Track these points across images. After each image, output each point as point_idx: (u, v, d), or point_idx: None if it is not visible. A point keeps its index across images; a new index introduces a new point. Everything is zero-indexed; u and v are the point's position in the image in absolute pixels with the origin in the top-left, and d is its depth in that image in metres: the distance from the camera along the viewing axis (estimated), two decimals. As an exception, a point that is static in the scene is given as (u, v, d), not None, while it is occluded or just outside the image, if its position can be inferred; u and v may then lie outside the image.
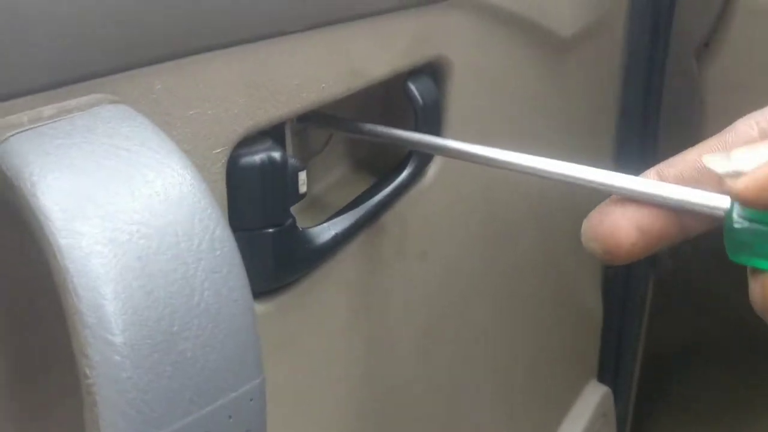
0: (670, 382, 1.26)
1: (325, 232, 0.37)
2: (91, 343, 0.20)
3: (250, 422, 0.23)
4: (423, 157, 0.42)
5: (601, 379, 0.82)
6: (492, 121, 0.47)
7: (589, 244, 0.28)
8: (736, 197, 0.23)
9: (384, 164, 0.43)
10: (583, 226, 0.28)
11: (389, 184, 0.41)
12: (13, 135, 0.23)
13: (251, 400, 0.23)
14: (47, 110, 0.24)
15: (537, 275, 0.60)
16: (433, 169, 0.44)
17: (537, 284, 0.60)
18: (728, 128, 0.27)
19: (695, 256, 1.10)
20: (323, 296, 0.38)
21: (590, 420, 0.70)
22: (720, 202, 0.25)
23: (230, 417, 0.22)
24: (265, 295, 0.35)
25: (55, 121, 0.24)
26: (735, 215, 0.24)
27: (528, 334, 0.61)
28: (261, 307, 0.35)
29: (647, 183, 0.27)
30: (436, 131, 0.42)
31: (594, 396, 0.72)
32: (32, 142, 0.23)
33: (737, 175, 0.23)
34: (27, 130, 0.23)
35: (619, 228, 0.27)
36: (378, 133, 0.38)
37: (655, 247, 0.27)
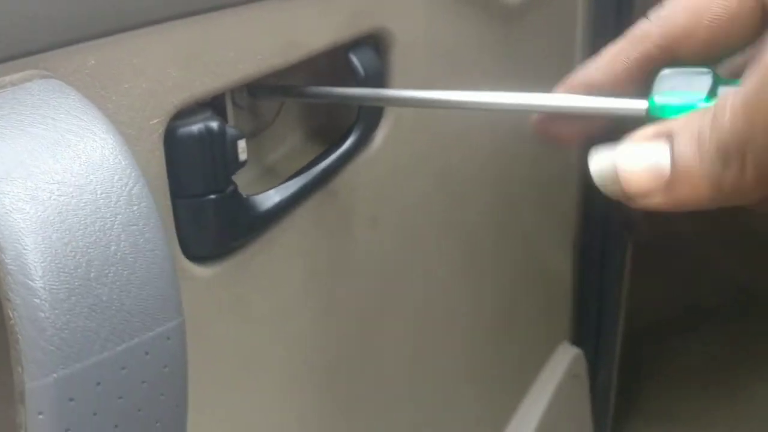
0: (659, 350, 1.28)
1: (270, 198, 0.40)
2: (12, 288, 0.22)
3: (168, 359, 0.25)
4: (370, 122, 0.45)
5: (581, 344, 0.84)
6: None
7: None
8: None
9: (334, 133, 0.45)
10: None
11: (336, 150, 0.43)
12: (-53, 107, 0.25)
13: (168, 338, 0.25)
14: (-20, 85, 0.27)
15: (499, 237, 0.62)
16: (380, 135, 0.46)
17: (500, 247, 0.62)
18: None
19: (671, 223, 1.12)
20: (270, 261, 0.41)
21: (561, 381, 0.72)
22: (640, 104, 0.28)
23: (147, 353, 0.25)
24: (210, 260, 0.38)
25: (-12, 94, 0.26)
26: (652, 114, 0.27)
27: (493, 296, 0.63)
28: (206, 271, 0.37)
29: (579, 98, 0.29)
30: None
31: (565, 357, 0.74)
32: (-35, 113, 0.25)
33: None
34: (-40, 102, 0.26)
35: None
36: (325, 94, 0.39)
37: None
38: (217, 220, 0.37)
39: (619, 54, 0.29)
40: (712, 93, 0.27)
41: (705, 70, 0.27)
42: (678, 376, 1.23)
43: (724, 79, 0.27)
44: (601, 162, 0.26)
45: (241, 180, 0.41)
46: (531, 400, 0.71)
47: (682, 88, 0.27)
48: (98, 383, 0.24)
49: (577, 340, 0.82)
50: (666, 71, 0.28)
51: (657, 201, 0.24)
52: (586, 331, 0.87)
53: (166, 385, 0.25)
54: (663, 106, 0.27)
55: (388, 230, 0.49)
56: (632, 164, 0.25)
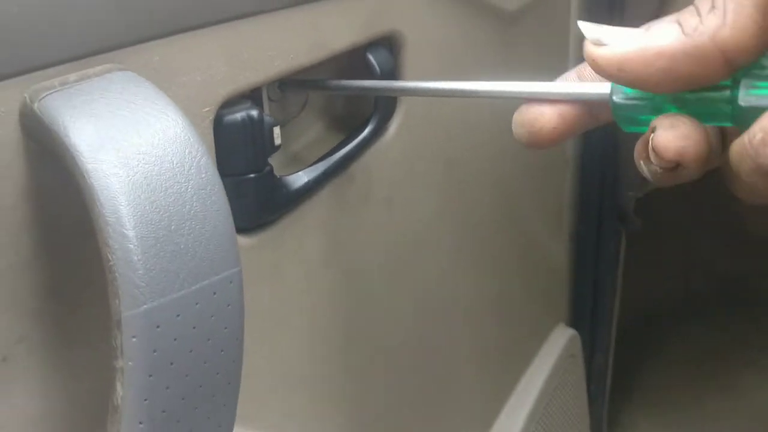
0: (656, 337, 1.33)
1: (299, 179, 0.45)
2: (111, 236, 0.28)
3: (230, 299, 0.31)
4: (385, 113, 0.50)
5: (578, 327, 0.89)
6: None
7: (517, 130, 0.33)
8: (590, 62, 0.28)
9: (353, 123, 0.51)
10: (513, 116, 0.33)
11: (355, 139, 0.49)
12: (48, 94, 0.31)
13: (231, 282, 0.31)
14: (72, 76, 0.32)
15: (498, 224, 0.67)
16: (394, 125, 0.51)
17: (499, 233, 0.68)
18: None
19: (663, 213, 1.18)
20: (299, 234, 0.46)
21: (557, 360, 0.78)
22: (605, 88, 0.31)
23: (214, 293, 0.30)
24: (249, 231, 0.43)
25: (79, 84, 0.32)
26: (614, 96, 0.30)
27: (492, 278, 0.69)
28: (246, 241, 0.43)
29: (554, 85, 0.33)
30: (393, 97, 0.50)
31: (561, 338, 0.80)
32: (62, 99, 0.31)
33: (598, 43, 0.28)
34: (58, 90, 0.31)
35: (543, 113, 0.32)
36: (345, 86, 0.45)
37: (573, 131, 0.33)
38: (255, 196, 0.42)
39: None
40: None
41: None
42: (671, 365, 1.28)
43: None
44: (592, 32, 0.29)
45: (273, 162, 0.47)
46: (529, 377, 0.76)
47: None
48: (178, 315, 0.29)
49: (574, 324, 0.88)
50: None
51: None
52: (583, 315, 0.93)
53: (228, 320, 0.31)
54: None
55: (400, 210, 0.54)
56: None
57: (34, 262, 0.33)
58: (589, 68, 0.30)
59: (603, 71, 0.28)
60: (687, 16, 0.26)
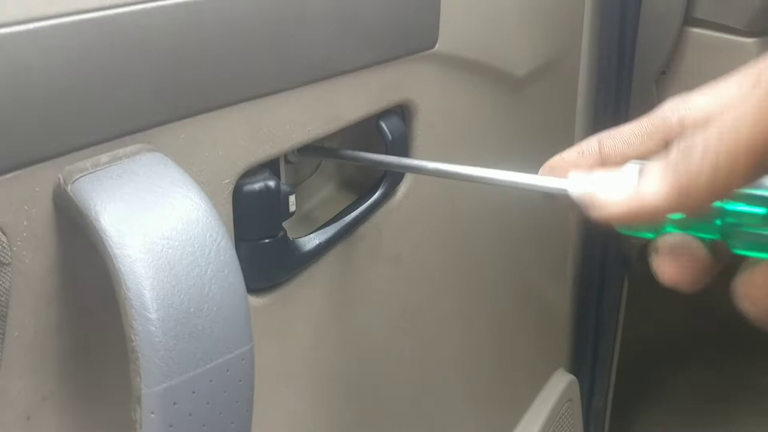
0: (656, 378, 1.34)
1: (311, 241, 0.48)
2: (135, 318, 0.30)
3: (242, 375, 0.33)
4: (394, 178, 0.53)
5: (578, 373, 0.91)
6: (453, 151, 0.57)
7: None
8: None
9: (363, 185, 0.53)
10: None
11: (365, 201, 0.51)
12: (81, 177, 0.33)
13: (243, 360, 0.33)
14: (103, 158, 0.35)
15: (501, 274, 0.69)
16: (403, 188, 0.54)
17: (502, 282, 0.70)
18: (652, 112, 0.33)
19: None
20: (309, 293, 0.49)
21: (555, 404, 0.80)
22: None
23: (228, 371, 0.32)
24: (262, 291, 0.46)
25: (110, 166, 0.34)
26: None
27: (494, 327, 0.71)
28: (259, 301, 0.45)
29: (551, 180, 0.35)
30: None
31: (560, 383, 0.82)
32: (94, 182, 0.33)
33: (593, 200, 0.30)
34: (90, 173, 0.34)
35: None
36: (357, 157, 0.47)
37: None
38: (269, 259, 0.45)
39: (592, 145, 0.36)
40: None
41: None
42: (671, 406, 1.29)
43: None
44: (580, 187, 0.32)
45: (286, 222, 0.49)
46: (527, 421, 0.78)
47: None
48: (193, 392, 0.31)
49: (573, 367, 0.90)
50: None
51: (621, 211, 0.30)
52: (583, 359, 0.95)
53: (239, 395, 0.33)
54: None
55: (408, 267, 0.57)
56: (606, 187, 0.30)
57: (59, 328, 0.36)
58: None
59: (610, 223, 0.31)
60: (682, 160, 0.28)
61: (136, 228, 0.32)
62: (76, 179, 0.33)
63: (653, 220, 0.30)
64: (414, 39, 0.50)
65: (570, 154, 0.35)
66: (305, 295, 0.48)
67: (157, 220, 0.32)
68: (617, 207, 0.29)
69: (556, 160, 0.36)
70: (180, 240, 0.32)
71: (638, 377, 1.31)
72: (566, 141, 0.75)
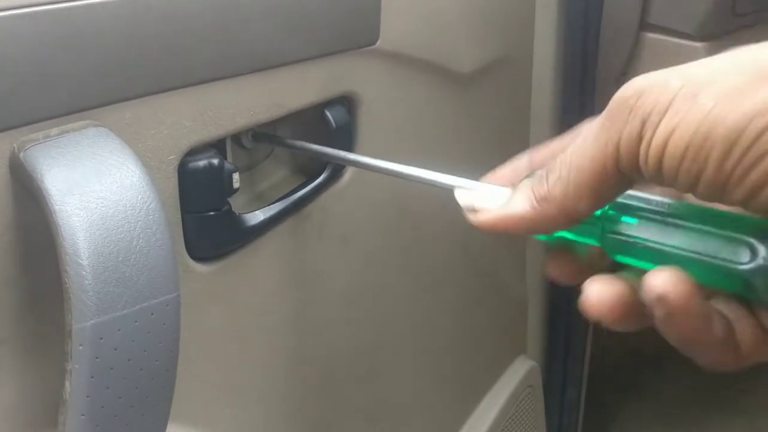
0: (634, 374, 1.37)
1: (256, 217, 0.52)
2: (69, 264, 0.35)
3: (166, 319, 0.38)
4: (338, 164, 0.57)
5: (550, 361, 0.95)
6: (397, 142, 0.62)
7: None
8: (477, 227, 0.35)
9: (314, 169, 0.58)
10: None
11: (311, 183, 0.56)
12: (32, 146, 0.38)
13: (167, 306, 0.38)
14: (54, 131, 0.40)
15: (456, 259, 0.74)
16: (349, 172, 0.58)
17: (457, 267, 0.74)
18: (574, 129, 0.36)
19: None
20: (256, 264, 0.53)
21: (515, 389, 0.84)
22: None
23: (152, 314, 0.37)
24: (209, 260, 0.50)
25: (58, 138, 0.39)
26: None
27: (451, 311, 0.75)
28: (205, 268, 0.50)
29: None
30: (348, 148, 0.57)
31: (521, 369, 0.86)
32: (43, 150, 0.38)
33: (472, 210, 0.35)
34: (40, 143, 0.39)
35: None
36: (303, 147, 0.52)
37: None
38: (214, 231, 0.50)
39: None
40: None
41: None
42: (647, 402, 1.32)
43: None
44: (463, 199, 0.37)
45: (239, 201, 0.54)
46: (485, 404, 0.82)
47: None
48: (119, 329, 0.36)
49: (546, 357, 0.93)
50: None
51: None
52: (555, 349, 0.98)
53: (164, 336, 0.38)
54: None
55: (355, 247, 0.61)
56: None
57: (14, 279, 0.41)
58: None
59: (483, 230, 0.35)
60: (537, 184, 0.32)
61: (74, 188, 0.37)
62: (28, 148, 0.38)
63: (520, 230, 0.34)
64: (355, 35, 0.55)
65: (503, 170, 0.38)
66: (252, 266, 0.53)
67: (94, 183, 0.37)
68: (487, 216, 0.34)
69: (491, 175, 0.39)
70: (113, 200, 0.37)
71: (613, 372, 1.34)
72: (519, 138, 0.80)
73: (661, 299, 0.28)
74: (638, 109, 0.29)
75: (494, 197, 0.35)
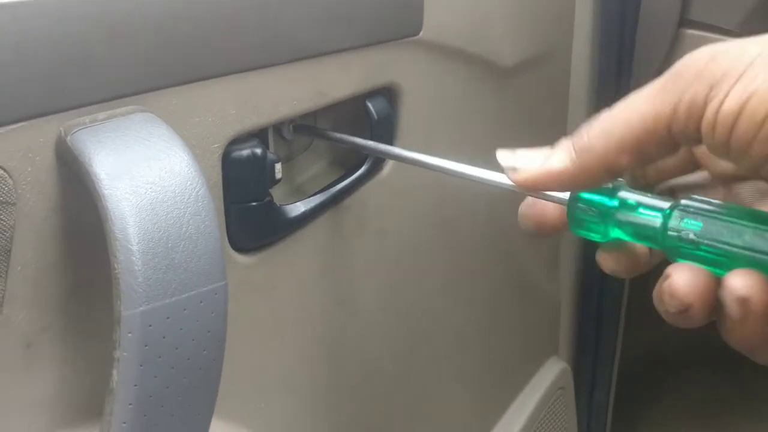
0: (660, 378, 1.35)
1: (297, 208, 0.52)
2: (118, 249, 0.35)
3: (214, 308, 0.37)
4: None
5: (579, 363, 0.94)
6: (438, 135, 0.61)
7: (523, 221, 0.37)
8: (515, 187, 0.35)
9: (353, 161, 0.57)
10: (519, 208, 0.37)
11: (351, 175, 0.55)
12: (79, 130, 0.38)
13: (216, 294, 0.37)
14: (101, 115, 0.39)
15: (491, 257, 0.73)
16: (389, 165, 0.58)
17: (492, 265, 0.73)
18: None
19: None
20: (296, 256, 0.53)
21: (547, 391, 0.82)
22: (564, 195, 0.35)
23: (201, 302, 0.36)
24: (250, 251, 0.50)
25: (105, 122, 0.39)
26: (570, 202, 0.34)
27: (485, 310, 0.74)
28: (246, 259, 0.49)
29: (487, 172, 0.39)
30: (389, 140, 0.56)
31: (552, 371, 0.84)
32: (90, 134, 0.38)
33: (514, 170, 0.34)
34: (87, 127, 0.38)
35: (547, 206, 0.36)
36: (343, 140, 0.51)
37: None
38: (256, 222, 0.49)
39: None
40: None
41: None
42: (673, 406, 1.30)
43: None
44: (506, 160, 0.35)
45: (278, 193, 0.53)
46: (517, 406, 0.81)
47: None
48: (168, 317, 0.35)
49: (575, 359, 0.92)
50: None
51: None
52: (585, 351, 0.97)
53: (212, 325, 0.37)
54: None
55: (393, 241, 0.60)
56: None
57: (59, 265, 0.40)
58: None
59: (523, 190, 0.35)
60: (577, 138, 0.32)
61: (123, 173, 0.36)
62: (75, 132, 0.38)
63: (561, 185, 0.33)
64: (398, 25, 0.54)
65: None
66: (292, 258, 0.52)
67: (143, 168, 0.37)
68: (527, 174, 0.33)
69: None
70: (162, 186, 0.37)
71: (641, 377, 1.32)
72: (556, 133, 0.79)
73: (744, 301, 0.28)
74: (707, 73, 0.28)
75: (535, 158, 0.34)
